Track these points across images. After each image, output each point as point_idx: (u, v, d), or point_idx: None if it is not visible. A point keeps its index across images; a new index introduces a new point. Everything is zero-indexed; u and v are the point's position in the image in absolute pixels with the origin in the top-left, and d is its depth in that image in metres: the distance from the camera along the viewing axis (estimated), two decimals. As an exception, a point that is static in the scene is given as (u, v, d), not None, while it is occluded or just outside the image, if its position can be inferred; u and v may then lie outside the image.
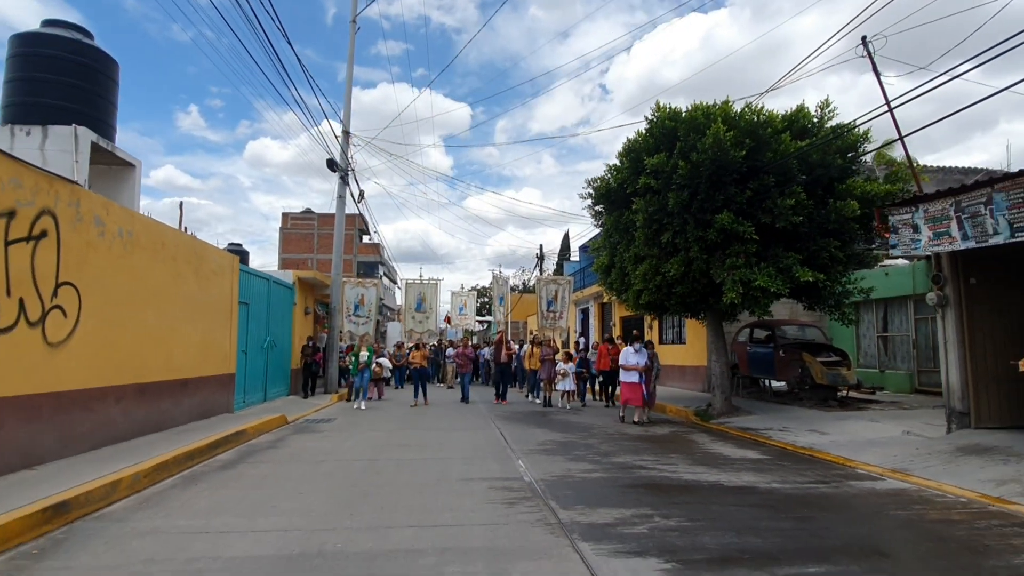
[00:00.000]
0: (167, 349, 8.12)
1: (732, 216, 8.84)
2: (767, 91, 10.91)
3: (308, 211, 62.18)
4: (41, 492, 4.65)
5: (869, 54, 7.66)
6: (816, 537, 4.11)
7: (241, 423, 8.92)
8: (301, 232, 59.91)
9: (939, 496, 5.22)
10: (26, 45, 8.83)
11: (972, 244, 6.12)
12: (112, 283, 6.72)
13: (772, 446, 7.96)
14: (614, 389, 13.78)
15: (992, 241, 5.89)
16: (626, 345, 11.98)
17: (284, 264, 53.96)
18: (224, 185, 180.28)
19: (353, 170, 17.14)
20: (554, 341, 17.59)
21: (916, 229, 6.80)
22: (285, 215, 60.32)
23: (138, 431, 7.34)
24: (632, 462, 6.82)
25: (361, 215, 21.26)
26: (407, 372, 17.72)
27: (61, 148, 8.08)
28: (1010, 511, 4.68)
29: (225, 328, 10.27)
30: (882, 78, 7.67)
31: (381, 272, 57.00)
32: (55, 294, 5.74)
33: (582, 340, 23.73)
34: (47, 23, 9.25)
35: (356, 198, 18.13)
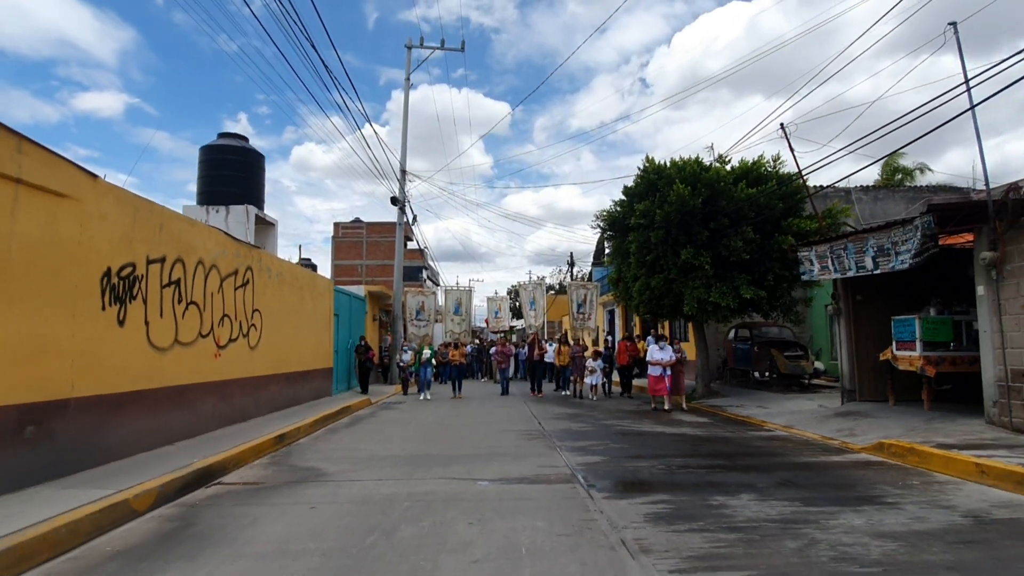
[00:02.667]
0: (298, 350, 11.86)
1: (693, 251, 12.00)
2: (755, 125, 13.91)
3: (357, 220, 66.45)
4: (264, 431, 8.29)
5: (786, 136, 10.71)
6: (696, 451, 7.36)
7: (343, 402, 12.57)
8: (351, 240, 64.02)
9: (796, 437, 8.35)
10: (211, 153, 13.04)
11: (837, 275, 9.19)
12: (273, 307, 10.44)
13: (721, 415, 11.10)
14: (632, 380, 16.69)
15: (847, 274, 8.95)
16: (645, 342, 14.63)
17: (336, 270, 58.55)
18: (271, 189, 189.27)
19: (409, 202, 20.86)
20: (583, 340, 20.67)
21: (811, 263, 9.86)
22: (336, 224, 64.70)
23: (286, 404, 11.08)
24: (614, 423, 10.12)
25: (408, 224, 24.90)
26: (449, 369, 19.11)
27: (237, 220, 12.00)
28: (826, 443, 7.79)
29: (326, 334, 14.01)
30: (819, 149, 10.68)
31: (425, 275, 60.98)
32: (251, 317, 9.46)
33: (610, 338, 26.89)
34: (222, 135, 13.50)
35: (411, 222, 21.87)
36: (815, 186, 15.40)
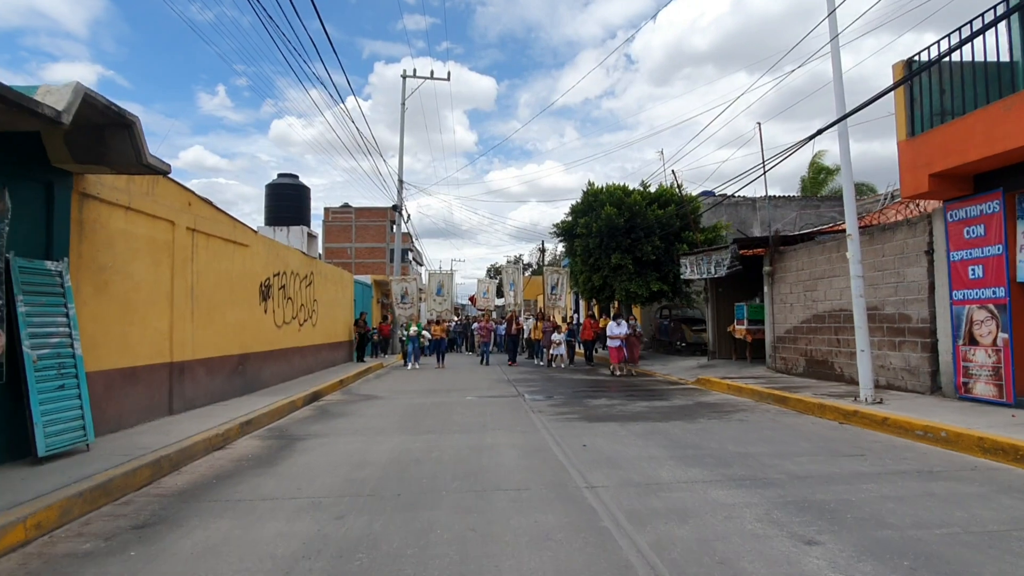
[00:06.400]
0: (335, 327, 16.60)
1: (619, 255, 16.92)
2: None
3: (346, 205, 69.95)
4: (330, 378, 13.05)
5: (676, 179, 15.51)
6: (594, 386, 12.32)
7: (366, 365, 17.35)
8: (341, 224, 67.56)
9: (665, 379, 13.36)
10: (274, 189, 17.59)
11: (696, 276, 14.15)
12: (323, 298, 15.13)
13: (633, 371, 16.11)
14: (593, 352, 21.00)
15: (701, 276, 13.91)
16: (610, 320, 18.92)
17: (328, 252, 62.47)
18: (250, 164, 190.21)
19: (405, 207, 25.42)
20: (554, 317, 25.36)
21: (685, 267, 14.81)
22: (327, 210, 68.10)
23: (330, 365, 15.86)
24: (557, 375, 15.09)
25: (395, 207, 29.24)
26: (432, 342, 20.52)
27: (295, 237, 16.44)
28: (677, 381, 12.79)
29: (349, 315, 18.73)
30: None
31: (411, 256, 65.18)
32: (313, 305, 14.16)
33: (576, 316, 31.93)
34: (281, 175, 17.97)
35: (406, 220, 26.45)
36: (728, 195, 20.31)
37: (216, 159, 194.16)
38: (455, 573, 3.13)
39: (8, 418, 5.03)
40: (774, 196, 25.10)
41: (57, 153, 5.39)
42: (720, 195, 19.79)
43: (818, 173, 32.48)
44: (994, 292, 7.04)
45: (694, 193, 19.79)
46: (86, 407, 5.53)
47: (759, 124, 12.50)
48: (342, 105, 14.98)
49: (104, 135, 5.34)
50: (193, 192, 8.18)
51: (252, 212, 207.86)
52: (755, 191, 22.37)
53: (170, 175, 6.48)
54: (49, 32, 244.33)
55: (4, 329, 4.84)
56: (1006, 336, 6.91)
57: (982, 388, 7.23)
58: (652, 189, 18.52)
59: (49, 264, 5.43)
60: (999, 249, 6.95)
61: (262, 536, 3.75)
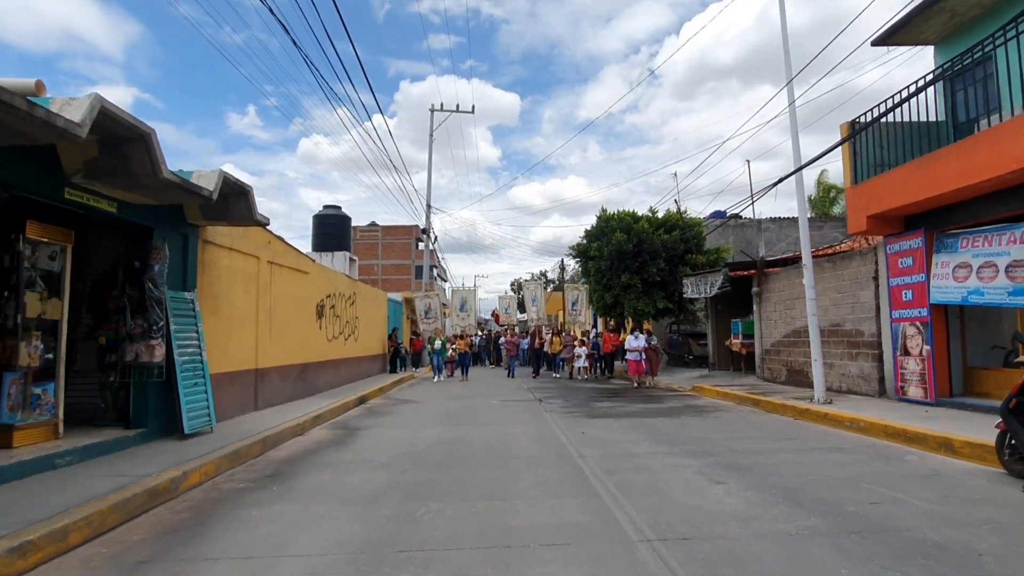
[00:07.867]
0: (371, 341, 18.56)
1: (628, 276, 18.60)
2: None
3: (373, 224, 72.56)
4: (372, 386, 14.94)
5: (678, 207, 17.18)
6: (603, 392, 13.99)
7: (399, 376, 19.26)
8: (368, 242, 70.27)
9: (668, 387, 14.95)
10: (321, 219, 19.84)
11: (696, 296, 15.77)
12: (362, 315, 17.11)
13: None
14: (612, 365, 22.37)
15: (700, 296, 15.52)
16: (628, 334, 20.40)
17: (357, 270, 65.31)
18: (278, 182, 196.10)
19: (432, 229, 27.50)
20: (574, 331, 26.97)
21: (687, 287, 16.44)
22: (355, 228, 70.69)
23: (367, 375, 17.79)
24: (570, 385, 16.78)
25: (425, 233, 31.32)
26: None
27: (340, 262, 18.65)
28: (676, 388, 14.38)
29: (383, 329, 20.71)
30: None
31: (435, 273, 67.35)
32: (355, 321, 16.13)
33: (594, 330, 33.56)
34: (326, 207, 20.42)
35: (433, 242, 28.48)
36: (736, 215, 21.85)
37: (245, 176, 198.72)
38: (485, 495, 4.91)
39: (164, 406, 6.98)
40: (779, 218, 26.51)
41: (193, 214, 7.39)
42: (731, 215, 21.38)
43: (827, 191, 33.68)
44: (920, 312, 8.61)
45: (703, 215, 21.47)
46: (210, 400, 7.47)
47: (748, 162, 14.13)
48: (370, 123, 17.15)
49: (228, 200, 7.33)
50: (272, 232, 10.19)
51: (279, 228, 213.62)
52: (770, 211, 23.80)
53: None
54: (86, 56, 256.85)
55: (165, 342, 6.81)
56: (929, 348, 8.46)
57: (913, 391, 8.77)
58: (660, 215, 20.22)
59: (186, 294, 7.42)
60: (922, 277, 8.53)
61: (354, 481, 5.58)
